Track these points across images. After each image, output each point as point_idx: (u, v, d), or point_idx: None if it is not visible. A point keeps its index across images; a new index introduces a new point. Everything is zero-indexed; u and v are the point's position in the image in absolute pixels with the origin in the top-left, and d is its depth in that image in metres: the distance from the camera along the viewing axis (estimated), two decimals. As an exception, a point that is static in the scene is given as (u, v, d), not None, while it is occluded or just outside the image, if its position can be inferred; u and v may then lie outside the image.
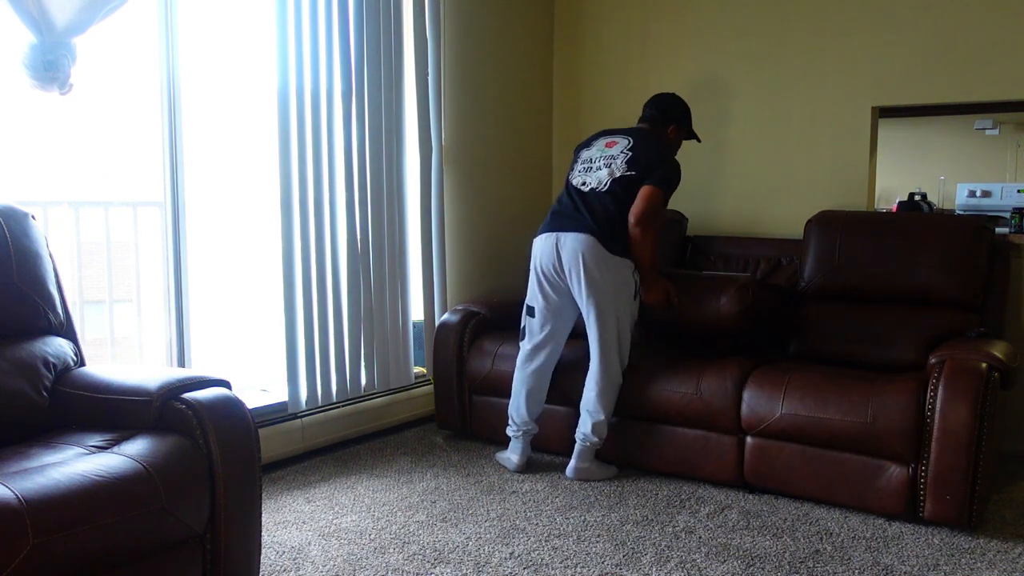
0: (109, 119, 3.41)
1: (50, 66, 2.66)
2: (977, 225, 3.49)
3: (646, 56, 4.57)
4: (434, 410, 4.06)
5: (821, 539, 2.86)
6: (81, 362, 2.60)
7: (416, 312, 4.17)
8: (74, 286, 3.24)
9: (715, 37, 4.36)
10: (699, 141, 3.74)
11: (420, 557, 2.70)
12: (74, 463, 2.04)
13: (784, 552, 2.76)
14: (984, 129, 7.45)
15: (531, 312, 3.50)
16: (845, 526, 2.97)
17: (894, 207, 6.88)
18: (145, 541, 2.05)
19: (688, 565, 2.66)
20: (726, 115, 4.32)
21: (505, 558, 2.69)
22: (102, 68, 3.16)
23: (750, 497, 3.24)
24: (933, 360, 3.01)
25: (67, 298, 2.63)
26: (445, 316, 4.02)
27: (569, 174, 3.54)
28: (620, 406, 3.42)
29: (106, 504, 1.95)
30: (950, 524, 2.92)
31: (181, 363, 3.39)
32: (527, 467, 3.54)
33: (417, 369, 4.21)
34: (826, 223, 3.71)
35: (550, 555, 2.72)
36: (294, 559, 2.69)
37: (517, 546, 2.79)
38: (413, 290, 4.11)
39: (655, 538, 2.86)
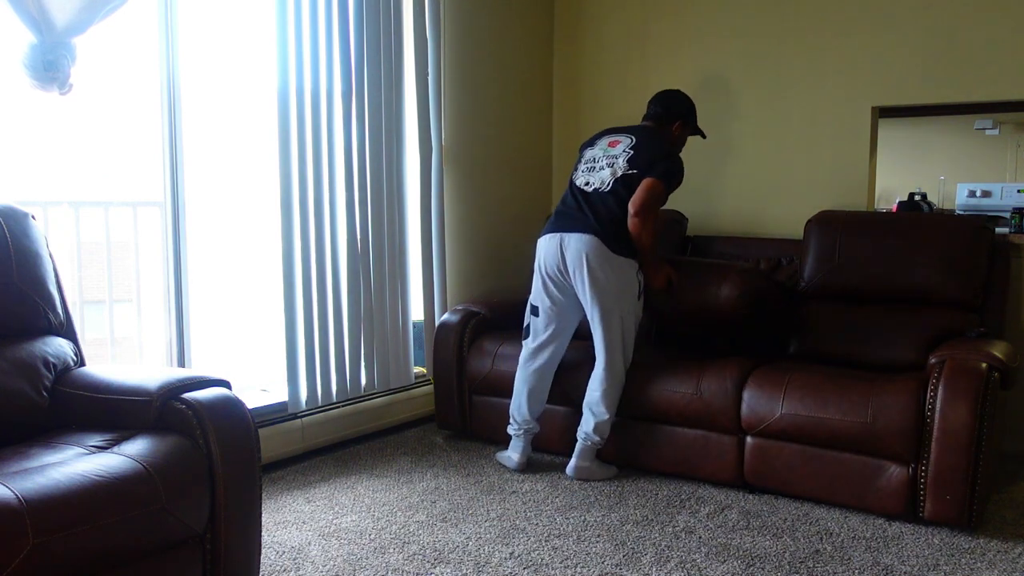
0: (109, 119, 3.41)
1: (50, 66, 2.66)
2: (977, 225, 3.49)
3: (646, 56, 4.57)
4: (434, 410, 4.06)
5: (821, 539, 2.86)
6: (81, 362, 2.60)
7: (416, 312, 4.17)
8: (74, 286, 3.24)
9: (715, 37, 4.36)
10: (704, 137, 3.73)
11: (420, 557, 2.70)
12: (74, 463, 2.04)
13: (784, 552, 2.76)
14: (984, 129, 7.44)
15: (535, 312, 3.50)
16: (845, 526, 2.97)
17: (894, 207, 6.87)
18: (145, 541, 2.05)
19: (688, 565, 2.66)
20: (726, 115, 4.32)
21: (505, 558, 2.69)
22: (102, 68, 3.16)
23: (750, 497, 3.24)
24: (933, 360, 3.01)
25: (67, 298, 2.63)
26: (445, 316, 4.02)
27: (573, 174, 3.53)
28: (620, 406, 3.41)
29: (106, 504, 1.95)
30: (950, 524, 2.92)
31: (181, 363, 3.39)
32: (527, 466, 3.54)
33: (417, 369, 4.21)
34: (826, 223, 3.71)
35: (550, 555, 2.72)
36: (294, 559, 2.69)
37: (517, 546, 2.79)
38: (413, 290, 4.11)
39: (655, 538, 2.86)
